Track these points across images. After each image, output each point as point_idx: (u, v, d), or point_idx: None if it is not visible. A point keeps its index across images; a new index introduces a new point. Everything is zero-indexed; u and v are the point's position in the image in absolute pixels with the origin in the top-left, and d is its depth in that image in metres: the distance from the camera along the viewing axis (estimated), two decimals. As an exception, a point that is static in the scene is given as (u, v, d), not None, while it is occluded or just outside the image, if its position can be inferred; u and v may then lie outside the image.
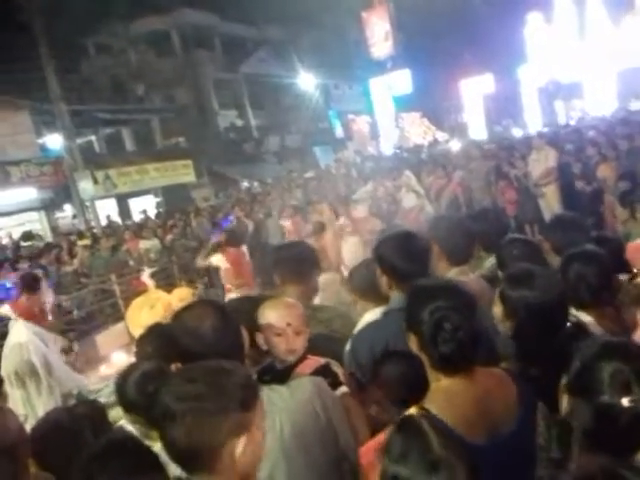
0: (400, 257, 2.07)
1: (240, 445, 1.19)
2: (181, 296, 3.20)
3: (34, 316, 3.19)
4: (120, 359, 7.73)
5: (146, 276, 4.34)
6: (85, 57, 27.18)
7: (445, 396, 1.52)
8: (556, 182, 8.45)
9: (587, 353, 1.30)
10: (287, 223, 9.41)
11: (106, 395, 6.04)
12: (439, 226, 2.72)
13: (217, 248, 6.35)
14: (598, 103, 18.83)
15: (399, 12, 21.06)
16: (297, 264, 2.58)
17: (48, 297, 3.87)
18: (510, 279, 1.87)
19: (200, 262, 6.88)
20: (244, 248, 7.02)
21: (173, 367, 1.61)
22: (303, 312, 2.01)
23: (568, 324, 1.85)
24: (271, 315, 1.95)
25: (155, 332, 2.36)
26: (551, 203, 8.50)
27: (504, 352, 1.82)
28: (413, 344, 1.58)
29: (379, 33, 20.90)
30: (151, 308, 2.77)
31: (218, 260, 5.99)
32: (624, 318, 2.29)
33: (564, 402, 1.32)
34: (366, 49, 21.75)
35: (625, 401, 1.19)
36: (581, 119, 17.88)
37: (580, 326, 1.87)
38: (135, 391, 1.95)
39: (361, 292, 2.47)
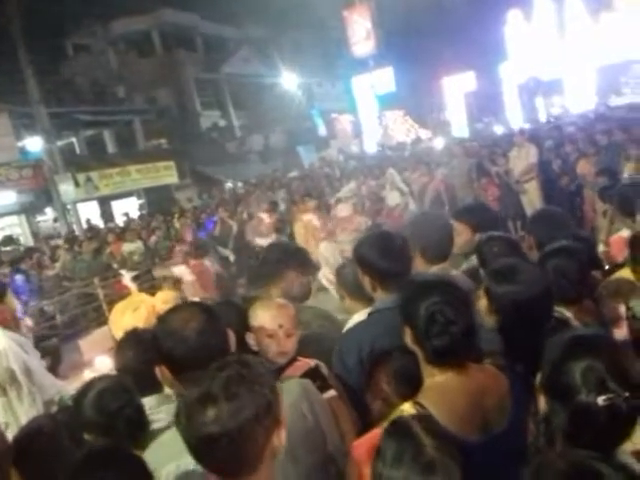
0: (380, 257, 2.06)
1: (277, 437, 1.21)
2: (165, 299, 3.16)
3: (7, 323, 3.13)
4: (104, 363, 7.64)
5: (128, 279, 4.28)
6: (64, 58, 26.85)
7: (439, 392, 1.53)
8: (537, 178, 8.56)
9: (555, 352, 1.28)
10: (264, 216, 9.27)
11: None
12: (417, 224, 2.72)
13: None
14: (578, 99, 19.05)
15: (380, 10, 21.10)
16: (278, 265, 2.59)
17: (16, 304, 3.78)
18: (494, 274, 1.87)
19: (159, 271, 6.54)
20: (207, 262, 6.71)
21: (157, 370, 1.57)
22: (295, 313, 2.00)
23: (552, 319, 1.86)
24: (263, 316, 1.94)
25: (135, 336, 2.33)
26: (533, 199, 8.60)
27: (489, 348, 1.82)
28: (408, 338, 1.59)
29: (360, 31, 20.92)
30: (134, 311, 2.74)
31: (181, 271, 5.58)
32: (602, 313, 2.33)
33: (541, 402, 1.32)
34: (348, 48, 21.76)
35: (601, 400, 1.17)
36: (561, 115, 18.10)
37: (564, 321, 1.88)
38: (94, 411, 1.84)
39: (349, 290, 2.47)
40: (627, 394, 1.17)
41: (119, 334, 2.52)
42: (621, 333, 2.19)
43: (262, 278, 2.57)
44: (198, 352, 1.48)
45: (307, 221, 8.45)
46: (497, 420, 1.52)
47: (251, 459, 1.18)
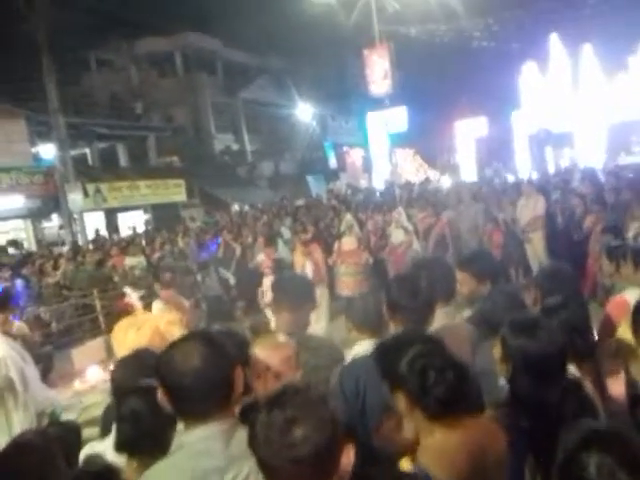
0: (404, 295, 2.24)
1: (346, 455, 1.24)
2: (169, 319, 3.15)
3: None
4: (95, 375, 7.60)
5: (134, 298, 4.25)
6: (86, 71, 27.38)
7: (438, 451, 1.52)
8: (543, 229, 8.59)
9: (570, 445, 1.28)
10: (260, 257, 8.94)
11: (77, 412, 5.90)
12: (421, 265, 2.80)
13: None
14: (588, 154, 19.24)
15: (399, 52, 21.54)
16: (295, 295, 2.68)
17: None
18: (514, 326, 1.86)
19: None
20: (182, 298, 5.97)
21: (159, 394, 1.54)
22: (292, 353, 1.98)
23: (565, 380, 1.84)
24: (255, 355, 1.92)
25: (137, 357, 2.32)
26: (537, 249, 8.63)
27: (496, 399, 1.82)
28: (401, 403, 1.58)
29: (379, 71, 21.29)
30: (138, 330, 2.73)
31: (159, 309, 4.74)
32: (600, 371, 2.34)
33: None
34: (365, 86, 22.13)
35: None
36: (570, 167, 18.27)
37: (576, 383, 1.86)
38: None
39: (356, 323, 2.54)
40: None
41: (121, 352, 2.51)
42: (619, 395, 2.19)
43: (290, 305, 2.66)
44: (194, 389, 1.47)
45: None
46: (495, 476, 1.52)
47: (327, 477, 1.22)
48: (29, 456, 1.86)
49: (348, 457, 1.24)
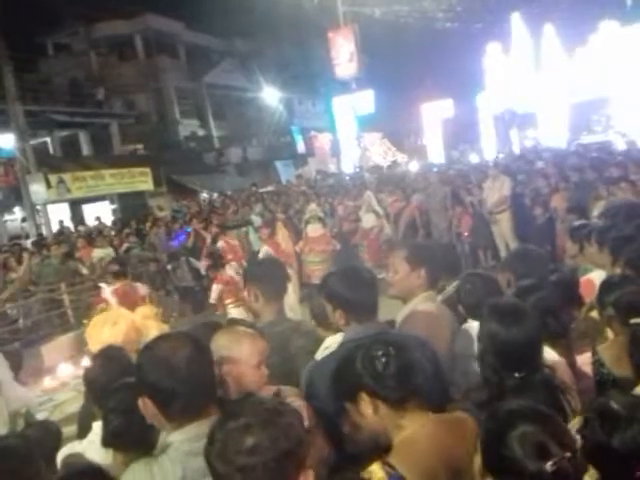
0: (352, 289, 2.08)
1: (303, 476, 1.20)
2: (144, 314, 3.11)
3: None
4: (65, 371, 7.48)
5: (108, 293, 4.17)
6: (44, 56, 26.48)
7: (408, 449, 1.51)
8: (509, 210, 8.75)
9: (490, 427, 1.28)
10: (221, 243, 8.94)
11: (49, 410, 5.81)
12: (427, 251, 2.77)
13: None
14: (551, 134, 19.60)
15: (364, 34, 21.44)
16: (280, 282, 2.65)
17: None
18: (495, 312, 1.87)
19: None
20: (138, 285, 5.76)
21: (140, 403, 1.49)
22: (266, 344, 1.93)
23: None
24: (248, 349, 1.81)
25: (113, 354, 2.30)
26: (504, 230, 8.79)
27: (469, 383, 1.85)
28: (366, 405, 1.55)
29: (344, 54, 21.17)
30: (113, 325, 2.69)
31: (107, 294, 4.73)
32: (572, 350, 2.42)
33: None
34: (331, 69, 22.02)
35: (548, 465, 1.16)
36: (534, 147, 18.62)
37: (551, 368, 1.88)
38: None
39: (319, 320, 2.56)
40: (569, 455, 1.18)
41: (96, 347, 2.48)
42: (587, 374, 2.28)
43: (277, 293, 2.63)
44: (187, 383, 1.43)
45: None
46: (467, 471, 1.52)
47: None
48: (10, 460, 1.83)
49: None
